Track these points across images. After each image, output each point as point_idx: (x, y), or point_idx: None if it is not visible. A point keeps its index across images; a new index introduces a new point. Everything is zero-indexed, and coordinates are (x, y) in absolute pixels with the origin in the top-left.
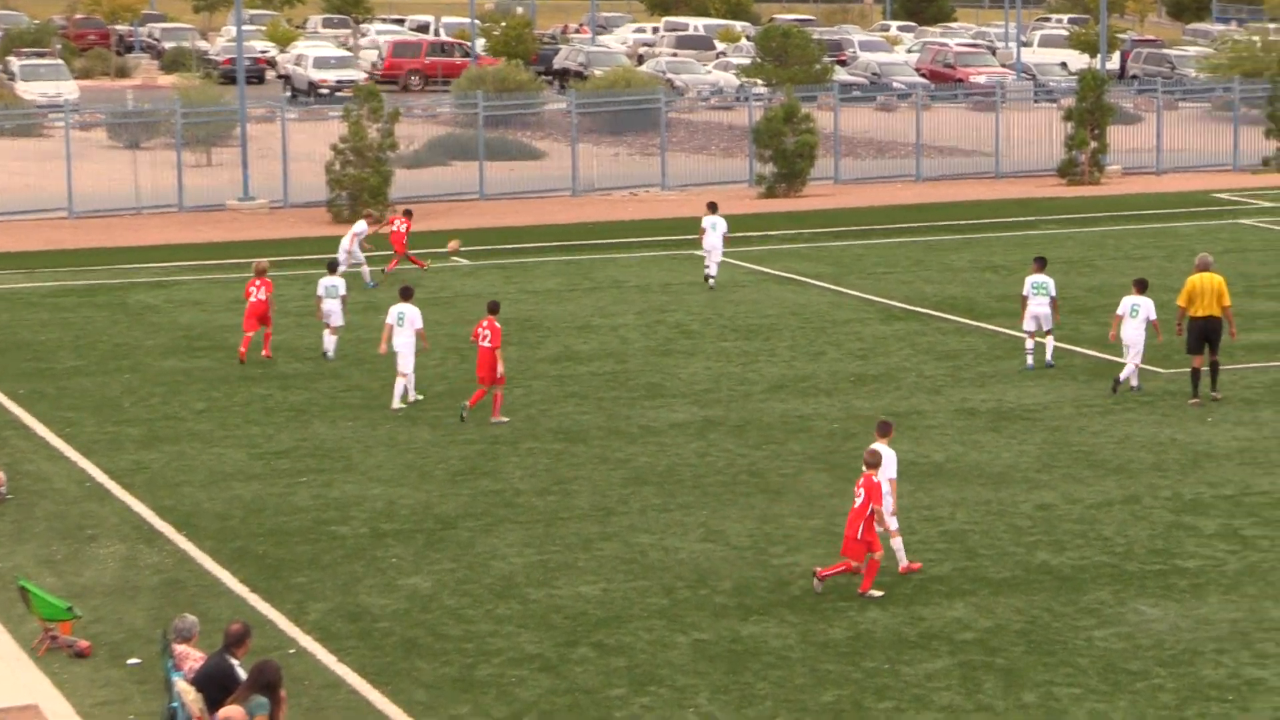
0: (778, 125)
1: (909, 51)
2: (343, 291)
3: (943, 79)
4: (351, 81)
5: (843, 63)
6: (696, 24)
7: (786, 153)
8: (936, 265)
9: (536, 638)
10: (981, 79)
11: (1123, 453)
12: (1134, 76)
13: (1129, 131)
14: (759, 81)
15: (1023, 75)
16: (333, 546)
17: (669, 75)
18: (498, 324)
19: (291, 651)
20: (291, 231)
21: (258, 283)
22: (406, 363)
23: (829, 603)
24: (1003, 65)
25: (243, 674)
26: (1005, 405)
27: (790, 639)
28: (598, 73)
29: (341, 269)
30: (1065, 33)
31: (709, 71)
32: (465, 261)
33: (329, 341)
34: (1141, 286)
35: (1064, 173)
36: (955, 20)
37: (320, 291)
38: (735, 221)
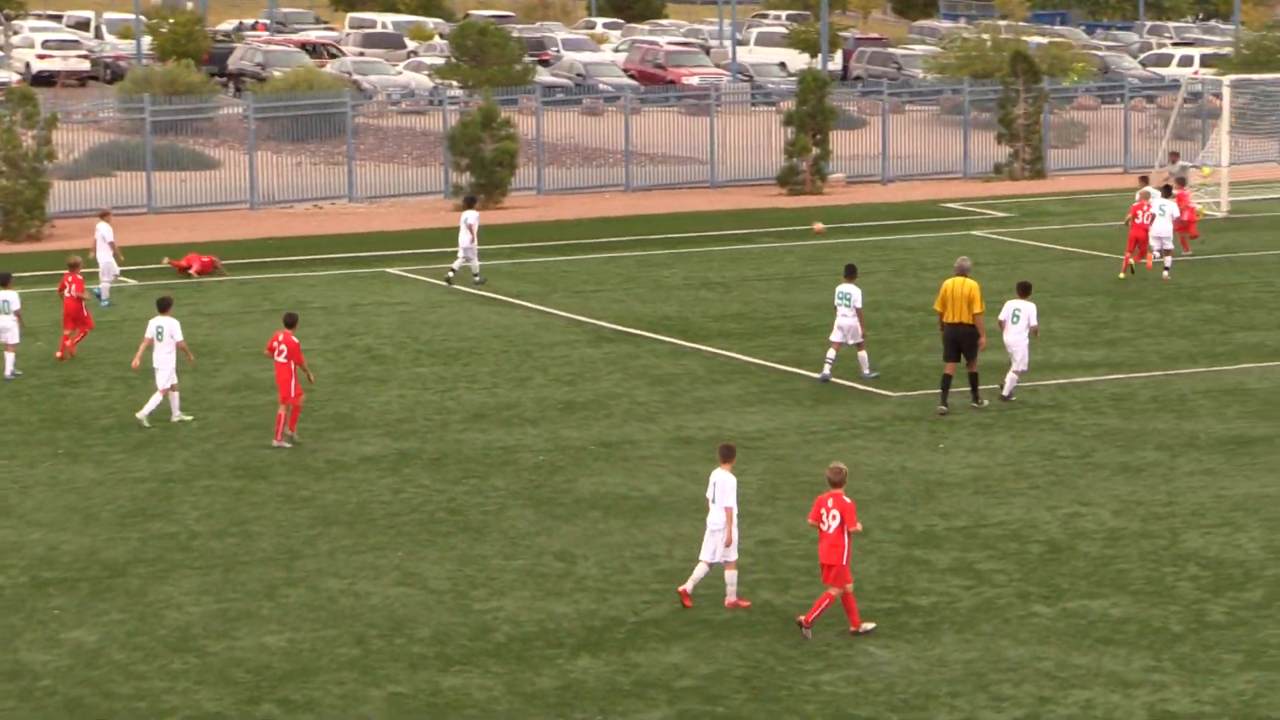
0: (475, 131)
1: (616, 51)
2: (16, 306)
3: (653, 80)
4: (3, 84)
5: (545, 63)
6: (385, 20)
7: (485, 161)
8: (649, 282)
9: (216, 694)
10: (694, 80)
11: (850, 483)
12: (858, 77)
13: (853, 137)
14: (454, 83)
15: (739, 76)
16: None
17: (355, 77)
18: (295, 339)
19: None
20: None
21: (70, 278)
22: (165, 378)
23: (536, 650)
24: (717, 66)
25: None
26: (725, 433)
27: (495, 690)
28: (277, 74)
29: (106, 285)
30: (784, 30)
31: (399, 72)
32: (132, 282)
33: (9, 360)
34: (1024, 290)
35: (784, 181)
36: (666, 17)
37: None
38: (430, 236)
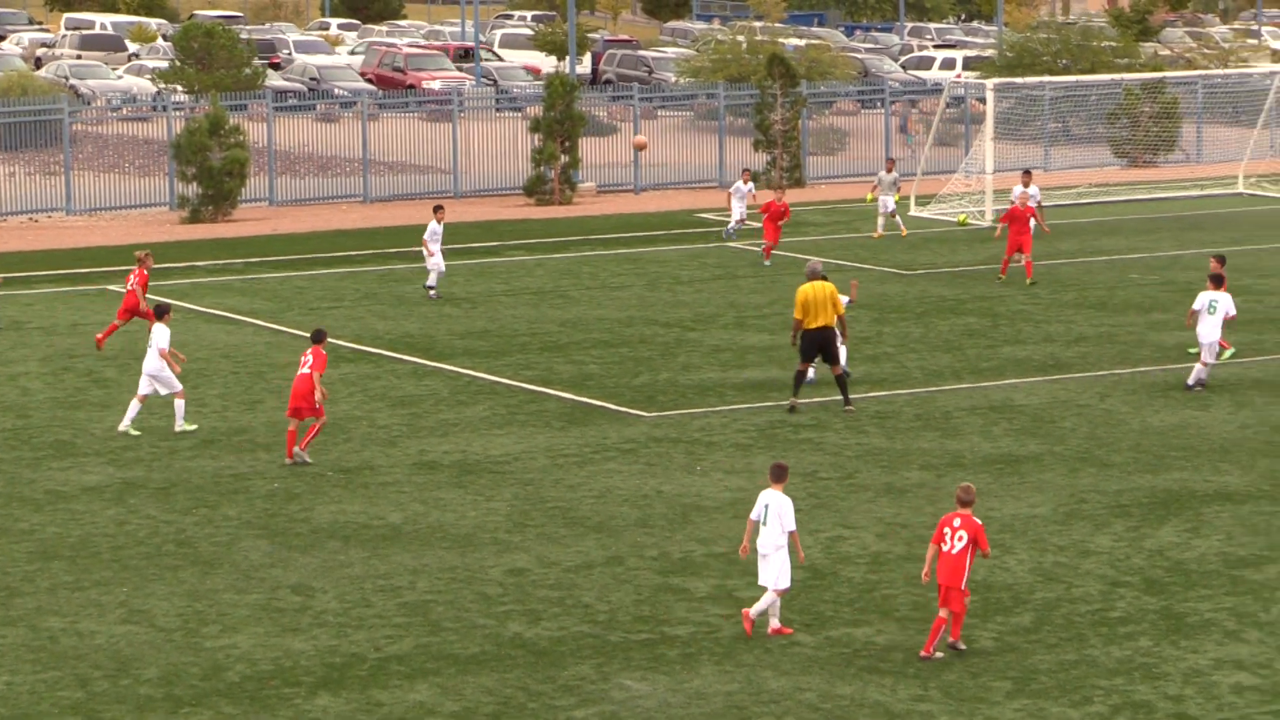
0: (202, 139)
1: (352, 53)
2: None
3: (392, 85)
4: None
5: (276, 66)
6: (104, 21)
7: (213, 170)
8: (390, 298)
9: None
10: (436, 85)
11: (603, 508)
12: (608, 81)
13: (603, 144)
14: (179, 88)
15: (483, 81)
16: None
17: (73, 81)
18: (324, 351)
19: None
20: None
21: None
22: (145, 385)
23: (271, 688)
24: (460, 69)
25: None
26: (471, 457)
27: None
28: None
29: None
30: (529, 32)
31: (120, 77)
32: None
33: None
34: (1218, 282)
35: (531, 191)
36: (404, 18)
37: None
38: (156, 251)
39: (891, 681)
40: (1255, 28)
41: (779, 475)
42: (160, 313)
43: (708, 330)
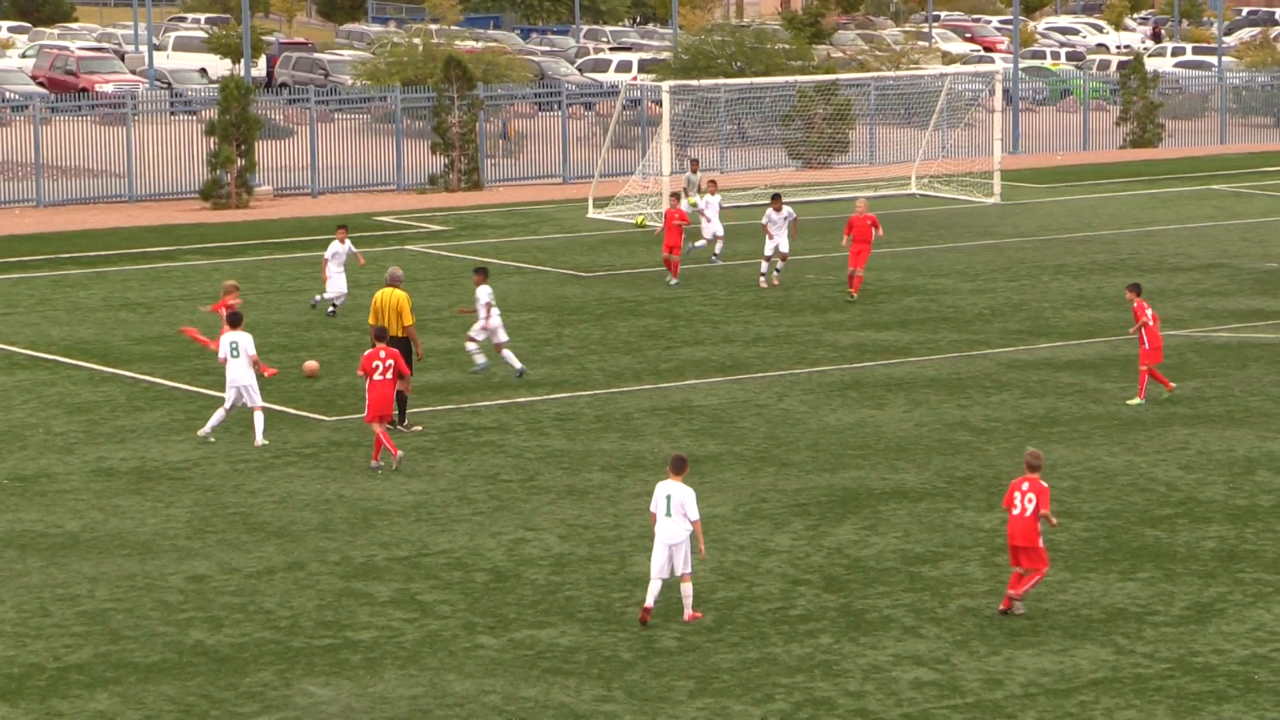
0: None
1: (24, 56)
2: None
3: (65, 88)
4: None
5: None
6: None
7: None
8: (64, 304)
9: None
10: (109, 88)
11: (285, 513)
12: (283, 84)
13: (281, 147)
14: None
15: (156, 84)
16: None
17: None
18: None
19: None
20: None
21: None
22: (256, 396)
23: None
24: (133, 72)
25: None
26: (150, 464)
27: None
28: None
29: None
30: (204, 35)
31: None
32: None
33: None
34: None
35: (207, 195)
36: (76, 20)
37: None
38: None
39: (576, 683)
40: (926, 30)
41: (679, 467)
42: (236, 321)
43: None
